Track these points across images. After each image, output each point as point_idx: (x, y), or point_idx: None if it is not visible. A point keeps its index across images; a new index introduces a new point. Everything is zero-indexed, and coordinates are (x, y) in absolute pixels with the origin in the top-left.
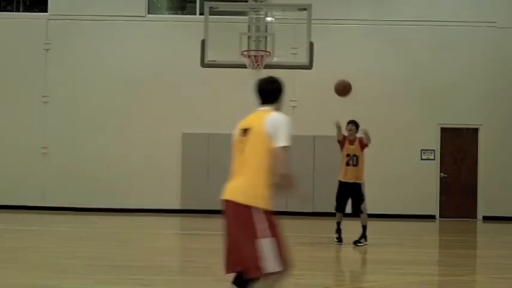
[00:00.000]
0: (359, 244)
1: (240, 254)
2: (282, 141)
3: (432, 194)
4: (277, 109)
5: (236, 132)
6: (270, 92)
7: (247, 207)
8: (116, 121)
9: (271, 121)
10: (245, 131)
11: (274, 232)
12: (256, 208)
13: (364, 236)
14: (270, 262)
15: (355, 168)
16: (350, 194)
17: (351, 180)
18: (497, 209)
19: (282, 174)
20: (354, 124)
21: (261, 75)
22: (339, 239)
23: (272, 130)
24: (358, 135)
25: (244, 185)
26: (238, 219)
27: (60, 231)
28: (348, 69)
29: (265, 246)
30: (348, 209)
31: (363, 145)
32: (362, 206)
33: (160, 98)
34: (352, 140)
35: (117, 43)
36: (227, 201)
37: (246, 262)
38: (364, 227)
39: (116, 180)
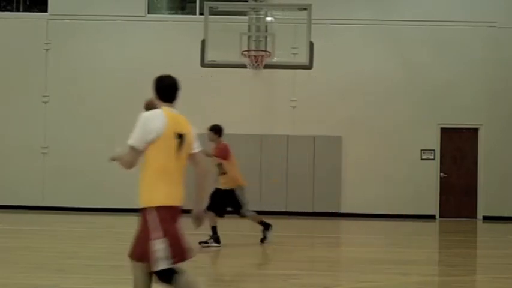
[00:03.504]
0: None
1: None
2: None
3: (432, 194)
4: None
5: (170, 135)
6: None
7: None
8: (115, 121)
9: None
10: (180, 136)
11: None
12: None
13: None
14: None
15: (224, 175)
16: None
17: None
18: (497, 209)
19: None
20: (211, 130)
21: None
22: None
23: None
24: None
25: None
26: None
27: (60, 231)
28: (347, 69)
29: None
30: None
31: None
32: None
33: None
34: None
35: (117, 43)
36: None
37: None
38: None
39: (116, 180)
